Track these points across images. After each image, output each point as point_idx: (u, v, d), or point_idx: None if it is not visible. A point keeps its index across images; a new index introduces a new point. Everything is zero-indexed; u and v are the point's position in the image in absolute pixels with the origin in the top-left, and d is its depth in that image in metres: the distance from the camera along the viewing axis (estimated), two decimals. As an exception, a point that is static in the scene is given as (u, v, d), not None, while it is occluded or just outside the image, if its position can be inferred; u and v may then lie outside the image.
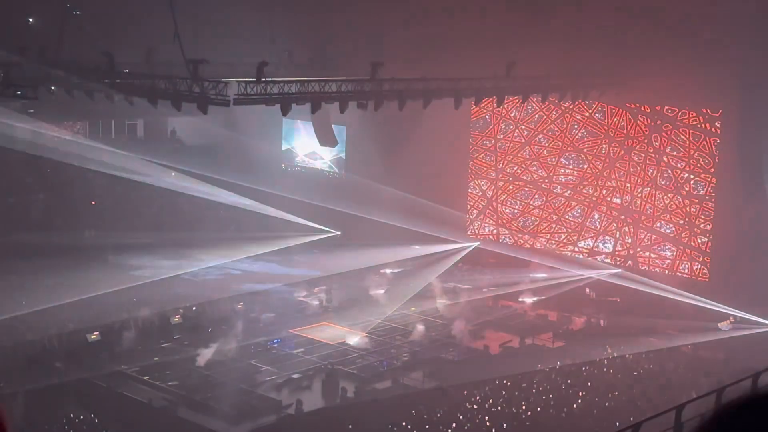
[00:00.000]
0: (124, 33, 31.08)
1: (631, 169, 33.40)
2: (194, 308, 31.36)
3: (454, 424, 22.96)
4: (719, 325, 30.28)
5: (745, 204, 30.92)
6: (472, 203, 37.57)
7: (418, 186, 36.37)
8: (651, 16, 30.27)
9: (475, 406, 24.18)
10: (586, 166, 34.42)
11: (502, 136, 36.46)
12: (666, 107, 32.07)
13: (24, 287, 29.40)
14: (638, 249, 33.71)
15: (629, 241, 33.91)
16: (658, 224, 33.21)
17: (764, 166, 31.49)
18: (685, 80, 29.28)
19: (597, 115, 33.83)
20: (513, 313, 33.49)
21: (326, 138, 34.95)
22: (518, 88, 30.13)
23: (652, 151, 32.81)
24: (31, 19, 35.12)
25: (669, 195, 32.70)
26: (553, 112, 34.74)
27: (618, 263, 34.07)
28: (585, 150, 34.27)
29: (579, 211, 34.94)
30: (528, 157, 35.92)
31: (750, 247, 30.43)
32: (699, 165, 31.72)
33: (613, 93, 31.91)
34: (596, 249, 34.63)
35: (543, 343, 30.35)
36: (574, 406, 24.51)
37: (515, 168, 36.39)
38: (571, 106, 33.62)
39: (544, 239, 35.84)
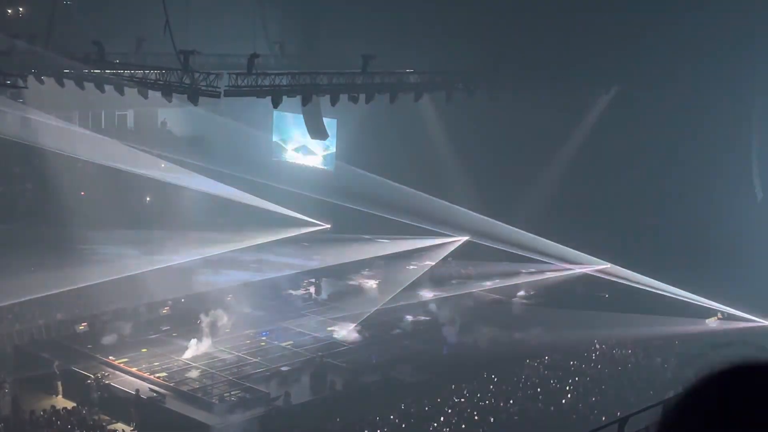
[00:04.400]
0: (115, 23, 30.95)
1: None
2: (183, 300, 31.32)
3: (442, 418, 23.02)
4: (707, 321, 30.43)
5: (732, 199, 31.05)
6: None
7: (410, 178, 36.35)
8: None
9: (463, 400, 24.25)
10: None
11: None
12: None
13: (12, 277, 29.27)
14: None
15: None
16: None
17: (753, 159, 31.65)
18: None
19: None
20: (502, 307, 33.57)
21: (317, 130, 34.85)
22: (510, 80, 30.13)
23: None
24: (21, 8, 34.95)
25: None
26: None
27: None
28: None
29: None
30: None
31: (737, 242, 30.53)
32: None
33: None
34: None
35: (531, 338, 30.40)
36: (563, 400, 24.61)
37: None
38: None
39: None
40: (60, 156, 35.28)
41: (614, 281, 32.77)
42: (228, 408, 24.00)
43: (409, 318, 31.63)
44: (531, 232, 34.27)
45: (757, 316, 29.98)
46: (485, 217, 35.16)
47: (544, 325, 31.05)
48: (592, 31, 30.25)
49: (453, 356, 28.68)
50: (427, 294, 34.10)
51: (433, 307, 32.88)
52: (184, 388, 25.14)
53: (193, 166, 37.62)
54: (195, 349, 27.55)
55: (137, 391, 24.49)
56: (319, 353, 27.71)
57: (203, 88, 23.47)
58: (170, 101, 25.81)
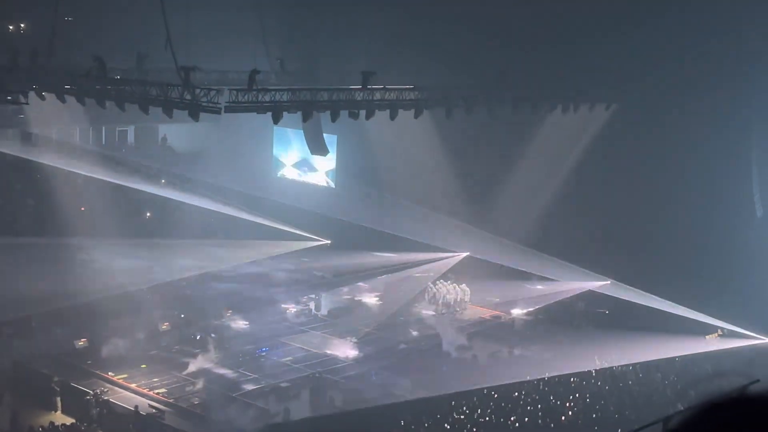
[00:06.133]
0: (116, 39, 31.05)
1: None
2: (182, 315, 31.29)
3: (441, 435, 22.95)
4: (707, 337, 30.38)
5: (733, 214, 31.07)
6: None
7: (410, 194, 36.42)
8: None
9: (463, 417, 24.17)
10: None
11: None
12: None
13: (12, 292, 29.25)
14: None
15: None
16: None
17: (753, 176, 31.70)
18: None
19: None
20: (502, 323, 33.53)
21: (317, 146, 34.92)
22: (510, 98, 30.24)
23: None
24: (22, 24, 35.08)
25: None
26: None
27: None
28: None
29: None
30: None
31: (738, 259, 30.53)
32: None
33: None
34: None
35: (531, 354, 30.35)
36: (563, 417, 24.53)
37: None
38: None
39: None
40: (61, 171, 35.36)
41: (615, 297, 32.73)
42: (227, 424, 23.91)
43: (409, 334, 31.57)
44: (531, 248, 34.29)
45: (757, 333, 29.93)
46: (485, 233, 35.19)
47: (544, 341, 31.03)
48: (594, 49, 30.34)
49: (453, 373, 28.61)
50: (427, 309, 34.09)
51: (433, 323, 32.85)
52: (184, 405, 25.08)
53: (193, 181, 37.69)
54: (194, 364, 27.50)
55: (136, 407, 24.44)
56: (319, 369, 27.66)
57: (204, 104, 23.48)
58: (171, 117, 25.84)
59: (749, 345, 29.52)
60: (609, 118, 33.12)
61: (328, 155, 37.22)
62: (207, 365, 27.63)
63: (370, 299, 35.17)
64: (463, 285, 35.30)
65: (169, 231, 36.63)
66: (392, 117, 27.84)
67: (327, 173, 40.70)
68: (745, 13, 28.69)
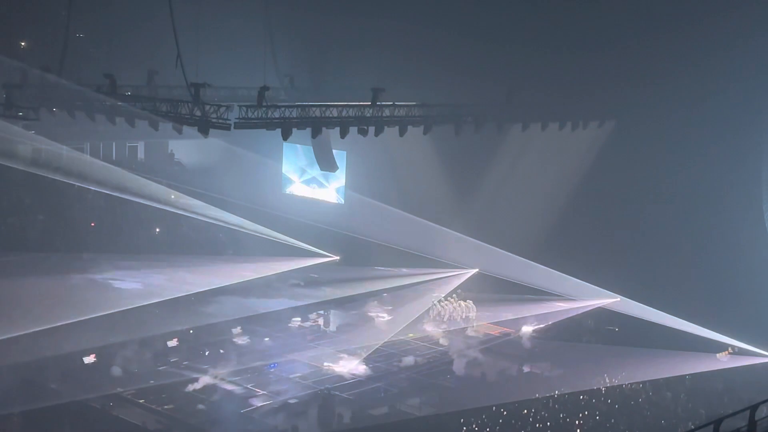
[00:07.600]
0: (127, 55, 31.24)
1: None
2: (191, 331, 31.27)
3: (450, 452, 22.84)
4: (717, 355, 30.20)
5: (743, 231, 30.97)
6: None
7: (420, 210, 36.42)
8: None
9: (471, 435, 24.08)
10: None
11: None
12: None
13: (21, 308, 29.29)
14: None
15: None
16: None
17: (764, 193, 31.60)
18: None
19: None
20: (511, 340, 33.40)
21: (326, 163, 34.94)
22: (518, 115, 30.29)
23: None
24: (33, 41, 35.26)
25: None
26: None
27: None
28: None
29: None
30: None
31: (748, 276, 30.39)
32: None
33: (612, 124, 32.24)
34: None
35: (541, 371, 30.22)
36: (572, 435, 24.42)
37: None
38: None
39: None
40: (71, 187, 35.47)
41: (625, 314, 32.59)
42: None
43: (418, 350, 31.46)
44: (541, 265, 34.21)
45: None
46: (495, 249, 35.13)
47: (553, 358, 30.88)
48: (601, 65, 30.37)
49: (462, 390, 28.49)
50: (436, 326, 33.99)
51: (442, 339, 32.76)
52: (192, 421, 25.01)
53: (202, 196, 37.77)
54: (203, 380, 27.47)
55: (144, 423, 24.38)
56: (327, 385, 27.58)
57: (213, 120, 23.58)
58: (180, 133, 25.96)
59: (760, 363, 29.32)
60: (618, 133, 33.11)
61: (338, 171, 37.24)
62: (215, 381, 27.59)
63: (379, 315, 35.12)
64: (469, 301, 35.21)
65: (179, 246, 36.68)
66: (401, 133, 27.92)
67: (336, 189, 40.71)
68: (749, 24, 28.59)
